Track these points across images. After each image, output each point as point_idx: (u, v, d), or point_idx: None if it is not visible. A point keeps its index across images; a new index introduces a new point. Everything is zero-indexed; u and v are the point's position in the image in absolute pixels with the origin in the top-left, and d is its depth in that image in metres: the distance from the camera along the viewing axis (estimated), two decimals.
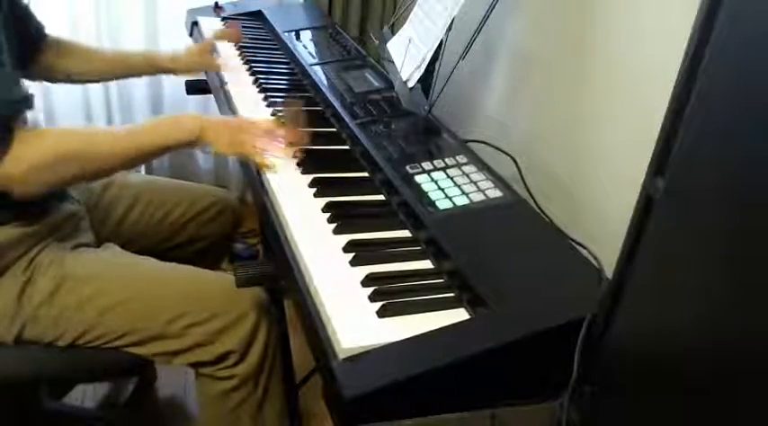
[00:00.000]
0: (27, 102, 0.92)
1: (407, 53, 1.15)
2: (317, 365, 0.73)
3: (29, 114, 1.00)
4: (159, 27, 2.05)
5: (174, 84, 2.10)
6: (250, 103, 1.27)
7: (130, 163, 1.01)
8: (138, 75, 1.41)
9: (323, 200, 0.93)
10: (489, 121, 1.36)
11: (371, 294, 0.75)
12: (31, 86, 1.02)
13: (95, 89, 2.15)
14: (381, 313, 0.72)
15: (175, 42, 1.98)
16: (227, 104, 1.30)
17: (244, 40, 1.59)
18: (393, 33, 1.28)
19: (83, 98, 2.14)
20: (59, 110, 2.12)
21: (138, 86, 2.13)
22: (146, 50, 1.45)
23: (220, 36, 1.45)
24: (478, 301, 0.74)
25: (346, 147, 1.13)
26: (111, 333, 0.98)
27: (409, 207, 0.90)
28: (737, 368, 0.45)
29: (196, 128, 0.99)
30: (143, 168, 2.18)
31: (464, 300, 0.76)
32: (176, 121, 1.01)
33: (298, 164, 1.02)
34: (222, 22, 1.72)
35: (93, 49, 1.34)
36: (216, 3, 1.81)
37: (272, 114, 1.18)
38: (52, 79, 1.32)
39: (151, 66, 1.37)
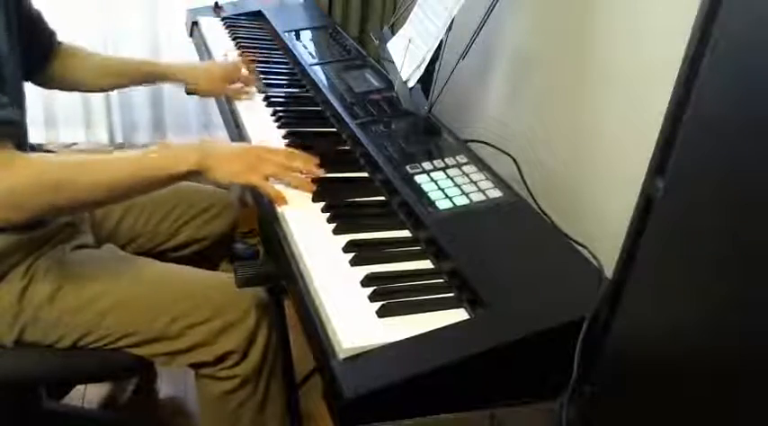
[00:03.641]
0: (10, 126, 0.84)
1: (407, 53, 1.15)
2: (317, 365, 0.73)
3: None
4: (159, 27, 2.05)
5: (174, 84, 2.10)
6: (250, 103, 1.28)
7: (124, 194, 0.94)
8: (149, 84, 1.37)
9: (323, 201, 0.93)
10: (489, 121, 1.36)
11: (371, 294, 0.75)
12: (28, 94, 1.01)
13: None
14: (381, 313, 0.72)
15: (175, 42, 1.98)
16: (227, 104, 1.30)
17: (244, 41, 1.59)
18: (393, 33, 1.28)
19: (82, 97, 2.14)
20: (59, 110, 2.12)
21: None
22: (159, 62, 1.37)
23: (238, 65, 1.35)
24: (478, 301, 0.74)
25: (346, 148, 1.13)
26: (112, 335, 0.98)
27: (409, 207, 0.90)
28: (737, 368, 0.45)
29: (197, 158, 0.91)
30: None
31: (464, 300, 0.76)
32: (175, 150, 0.93)
33: None
34: (222, 22, 1.72)
35: (106, 59, 1.30)
36: (216, 3, 1.81)
37: (284, 137, 1.14)
38: (63, 88, 1.28)
39: (164, 79, 1.32)
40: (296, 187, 0.94)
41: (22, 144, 0.94)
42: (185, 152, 0.92)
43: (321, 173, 0.97)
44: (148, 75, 1.32)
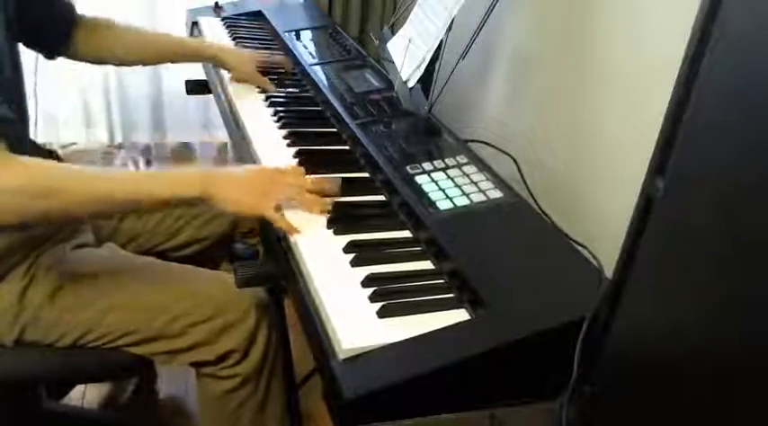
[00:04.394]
0: (2, 124, 0.82)
1: (407, 53, 1.15)
2: (317, 365, 0.73)
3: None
4: (159, 27, 2.06)
5: (174, 84, 2.11)
6: (251, 103, 1.28)
7: (119, 211, 0.92)
8: (182, 61, 1.36)
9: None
10: (489, 121, 1.36)
11: (372, 294, 0.75)
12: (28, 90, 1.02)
13: (95, 88, 2.16)
14: (382, 313, 0.72)
15: None
16: (227, 105, 1.30)
17: (244, 41, 1.59)
18: (393, 33, 1.28)
19: (82, 97, 2.15)
20: (59, 110, 2.13)
21: (138, 86, 2.14)
22: (204, 41, 1.37)
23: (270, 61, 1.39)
24: (478, 301, 0.74)
25: (347, 148, 1.13)
26: (112, 334, 0.98)
27: (410, 207, 0.90)
28: (737, 368, 0.45)
29: (201, 186, 0.87)
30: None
31: (464, 301, 0.76)
32: (179, 175, 0.89)
33: (299, 164, 1.03)
34: (223, 22, 1.72)
35: (143, 34, 1.28)
36: (216, 3, 1.81)
37: (285, 137, 1.13)
38: (95, 61, 1.27)
39: (198, 57, 1.33)
40: (311, 211, 0.89)
41: (21, 143, 0.94)
42: (189, 178, 0.88)
43: (338, 191, 0.92)
44: (194, 54, 1.32)
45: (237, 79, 1.35)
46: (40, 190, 0.81)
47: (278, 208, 0.88)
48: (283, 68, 1.41)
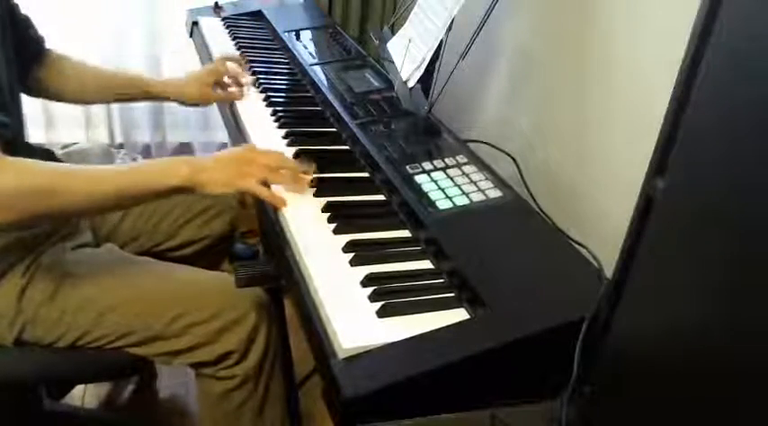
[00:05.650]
0: None
1: (407, 53, 1.15)
2: (317, 365, 0.73)
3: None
4: (159, 27, 2.05)
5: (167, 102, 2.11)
6: (251, 103, 1.28)
7: (110, 206, 0.95)
8: (135, 100, 1.34)
9: (323, 200, 0.93)
10: (489, 121, 1.36)
11: (371, 294, 0.75)
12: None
13: None
14: (381, 313, 0.72)
15: (175, 43, 1.99)
16: (227, 105, 1.30)
17: (244, 41, 1.59)
18: (393, 33, 1.28)
19: None
20: (59, 110, 2.12)
21: None
22: (150, 81, 1.31)
23: (224, 67, 1.34)
24: (478, 301, 0.74)
25: (346, 148, 1.13)
26: (112, 334, 0.98)
27: (409, 207, 0.90)
28: (737, 369, 0.45)
29: (188, 174, 0.89)
30: None
31: (464, 300, 0.76)
32: (165, 165, 0.92)
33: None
34: (223, 22, 1.72)
35: (92, 72, 1.26)
36: (216, 3, 1.81)
37: (284, 137, 1.14)
38: (48, 97, 1.25)
39: (148, 94, 1.30)
40: (293, 187, 0.94)
41: (16, 146, 0.94)
42: (175, 166, 0.90)
43: (312, 171, 0.96)
44: (140, 94, 1.29)
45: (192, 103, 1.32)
46: (33, 190, 0.83)
47: (265, 185, 0.92)
48: (240, 64, 1.37)
